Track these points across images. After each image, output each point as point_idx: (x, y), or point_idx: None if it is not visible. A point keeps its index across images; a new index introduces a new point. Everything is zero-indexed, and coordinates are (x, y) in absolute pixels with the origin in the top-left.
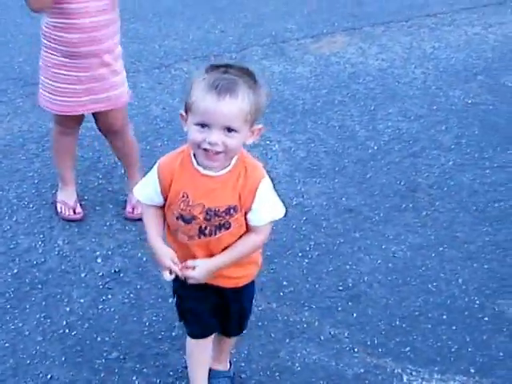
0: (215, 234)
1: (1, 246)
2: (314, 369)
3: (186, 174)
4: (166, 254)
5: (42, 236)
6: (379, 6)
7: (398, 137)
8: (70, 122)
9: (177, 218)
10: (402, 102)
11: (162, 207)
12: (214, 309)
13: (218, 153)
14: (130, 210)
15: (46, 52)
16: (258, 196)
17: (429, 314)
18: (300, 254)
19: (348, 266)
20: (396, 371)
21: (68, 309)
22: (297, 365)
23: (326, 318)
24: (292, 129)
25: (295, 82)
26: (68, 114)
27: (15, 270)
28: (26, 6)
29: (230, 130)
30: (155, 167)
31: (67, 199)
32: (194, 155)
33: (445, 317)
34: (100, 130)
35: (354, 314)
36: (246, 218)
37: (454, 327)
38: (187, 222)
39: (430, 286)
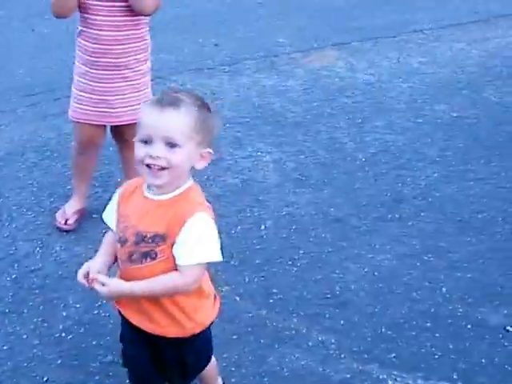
0: (141, 263)
1: (0, 251)
2: (302, 374)
3: (133, 197)
4: (87, 264)
5: (40, 242)
6: (368, 22)
7: (385, 149)
8: (83, 140)
9: (117, 241)
10: (388, 115)
11: None
12: (155, 358)
13: (161, 169)
14: None
15: (75, 59)
16: (185, 229)
17: (413, 321)
18: (289, 262)
19: (335, 275)
20: (381, 377)
21: (64, 313)
22: (285, 370)
23: (313, 324)
24: (282, 140)
25: (286, 94)
26: (83, 121)
27: (14, 275)
28: (27, 18)
29: (172, 145)
30: (117, 190)
31: (68, 209)
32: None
33: (429, 324)
34: (113, 137)
35: (341, 321)
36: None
37: (437, 334)
38: (122, 244)
39: (414, 294)
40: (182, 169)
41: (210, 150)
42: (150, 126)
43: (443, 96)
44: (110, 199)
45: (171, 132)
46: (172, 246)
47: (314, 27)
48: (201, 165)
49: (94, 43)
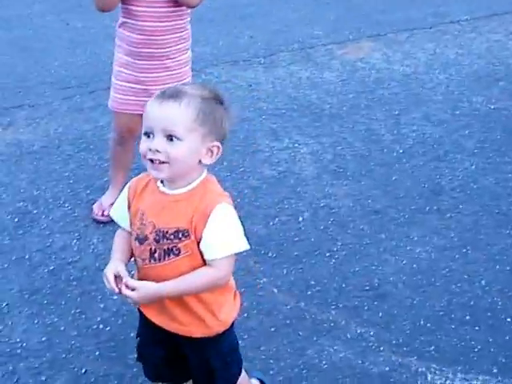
0: (164, 260)
1: (38, 243)
2: (341, 366)
3: (147, 191)
4: (112, 267)
5: (77, 234)
6: (403, 14)
7: (423, 141)
8: (122, 129)
9: (134, 239)
10: (425, 106)
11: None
12: (171, 358)
13: (162, 162)
14: None
15: (116, 51)
16: (210, 223)
17: (452, 314)
18: (327, 254)
19: (374, 267)
20: (420, 370)
21: (102, 305)
22: (324, 362)
23: (352, 316)
24: (319, 132)
25: (322, 86)
26: (124, 111)
27: (51, 267)
28: (62, 13)
29: (171, 137)
30: (126, 186)
31: (105, 200)
32: None
33: (468, 317)
34: None
35: (380, 314)
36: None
37: (477, 327)
38: (141, 242)
39: (453, 286)
40: (184, 163)
41: (218, 144)
42: (150, 119)
43: (480, 88)
44: None
45: (170, 124)
46: (197, 240)
47: (350, 19)
48: (208, 159)
49: (138, 34)
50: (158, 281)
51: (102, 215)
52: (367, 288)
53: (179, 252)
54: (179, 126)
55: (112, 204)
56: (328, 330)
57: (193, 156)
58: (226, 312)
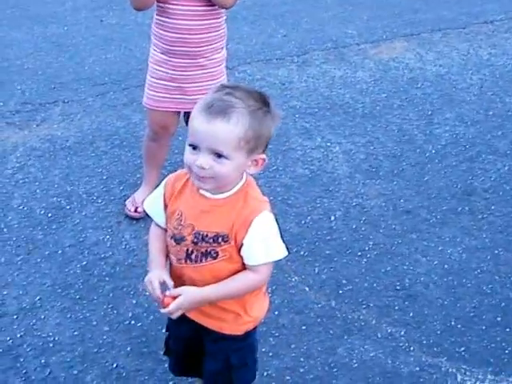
0: (201, 262)
1: (71, 238)
2: (371, 365)
3: (186, 192)
4: (156, 274)
5: (109, 230)
6: (436, 13)
7: (455, 141)
8: (156, 125)
9: (170, 237)
10: (458, 107)
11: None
12: (195, 354)
13: (207, 177)
14: None
15: (152, 49)
16: (252, 230)
17: (483, 315)
18: (359, 254)
19: (405, 267)
20: (450, 370)
21: (134, 301)
22: (354, 361)
23: (383, 316)
24: (352, 131)
25: (355, 86)
26: (158, 108)
27: (84, 263)
28: (96, 9)
29: (219, 155)
30: (163, 182)
31: (138, 196)
32: None
33: (499, 319)
34: (186, 124)
35: (411, 314)
36: (240, 255)
37: (508, 329)
38: (177, 242)
39: (484, 287)
40: (230, 178)
41: (264, 156)
42: (197, 135)
43: None
44: None
45: (218, 144)
46: (237, 245)
47: (383, 18)
48: (253, 170)
49: (173, 32)
50: (191, 280)
51: (135, 211)
52: (398, 288)
53: (217, 255)
54: (227, 146)
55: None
56: (359, 329)
57: (238, 170)
58: (257, 309)
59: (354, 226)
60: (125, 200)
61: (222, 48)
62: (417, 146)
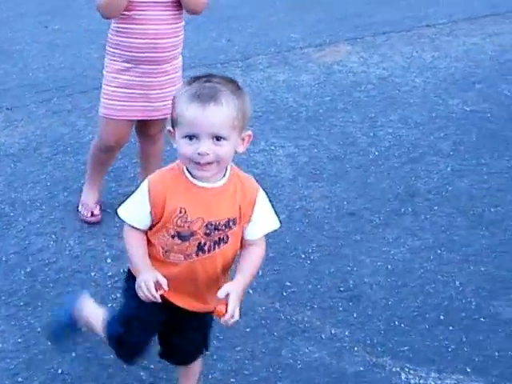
0: (214, 250)
1: (15, 245)
2: (316, 366)
3: (180, 189)
4: (150, 276)
5: (54, 236)
6: (381, 17)
7: (398, 143)
8: (111, 138)
9: (172, 237)
10: (402, 109)
11: (145, 233)
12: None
13: (209, 163)
14: None
15: (108, 59)
16: (257, 207)
17: (427, 314)
18: (303, 256)
19: (349, 268)
20: (394, 370)
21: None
22: (298, 362)
23: (327, 317)
24: (296, 135)
25: (299, 89)
26: (124, 118)
27: (28, 269)
28: (40, 15)
29: (218, 138)
30: (145, 186)
31: (89, 200)
32: (187, 169)
33: (442, 317)
34: (137, 133)
35: (355, 314)
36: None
37: (450, 327)
38: (184, 239)
39: (427, 287)
40: (229, 159)
41: (250, 133)
42: (193, 123)
43: (456, 90)
44: (123, 193)
45: (217, 128)
46: (244, 224)
47: (327, 22)
48: (242, 148)
49: (142, 38)
50: (203, 271)
51: (92, 216)
52: (342, 289)
53: (227, 239)
54: (225, 127)
55: (97, 202)
56: (303, 331)
57: (233, 150)
58: None
59: (297, 229)
60: (69, 206)
61: (180, 54)
62: (360, 149)
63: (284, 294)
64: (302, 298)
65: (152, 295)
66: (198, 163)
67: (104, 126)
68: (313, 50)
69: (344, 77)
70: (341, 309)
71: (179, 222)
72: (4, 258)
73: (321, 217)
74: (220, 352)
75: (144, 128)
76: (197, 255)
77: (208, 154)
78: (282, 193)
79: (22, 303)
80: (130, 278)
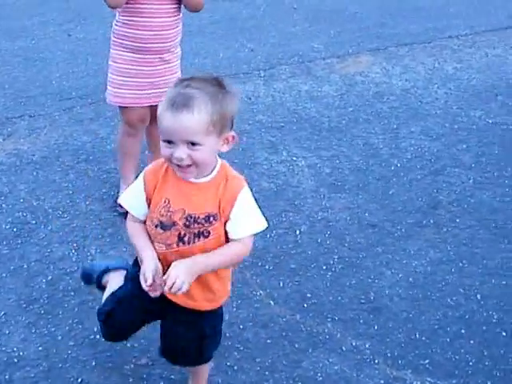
0: (193, 243)
1: (36, 253)
2: (336, 379)
3: (169, 181)
4: (152, 267)
5: (75, 245)
6: (403, 28)
7: (420, 155)
8: (135, 120)
9: (156, 226)
10: (424, 121)
11: (145, 223)
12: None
13: (188, 166)
14: None
15: (115, 49)
16: (237, 206)
17: (448, 327)
18: (324, 267)
19: (370, 280)
20: (415, 383)
21: None
22: (319, 375)
23: (348, 329)
24: (318, 145)
25: (321, 100)
26: (134, 105)
27: (49, 277)
28: (64, 23)
29: (193, 143)
30: (141, 177)
31: None
32: None
33: (463, 331)
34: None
35: (376, 327)
36: (226, 231)
37: (471, 341)
38: (166, 228)
39: (449, 300)
40: (208, 161)
41: (233, 133)
42: (168, 131)
43: (479, 102)
44: None
45: (190, 135)
46: (224, 223)
47: (349, 33)
48: (225, 148)
49: (147, 30)
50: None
51: None
52: (363, 301)
53: (209, 234)
54: (198, 134)
55: None
56: (323, 343)
57: (214, 152)
58: (228, 283)
59: (319, 240)
60: (90, 215)
61: (180, 43)
62: (382, 160)
63: (305, 305)
64: (322, 309)
65: (149, 284)
66: (178, 165)
67: (125, 113)
68: (335, 60)
69: (366, 88)
70: (362, 321)
71: (163, 211)
72: (25, 266)
73: (342, 228)
74: (240, 363)
75: (150, 112)
76: (177, 245)
77: (183, 159)
78: (304, 204)
79: (42, 311)
80: (134, 263)
